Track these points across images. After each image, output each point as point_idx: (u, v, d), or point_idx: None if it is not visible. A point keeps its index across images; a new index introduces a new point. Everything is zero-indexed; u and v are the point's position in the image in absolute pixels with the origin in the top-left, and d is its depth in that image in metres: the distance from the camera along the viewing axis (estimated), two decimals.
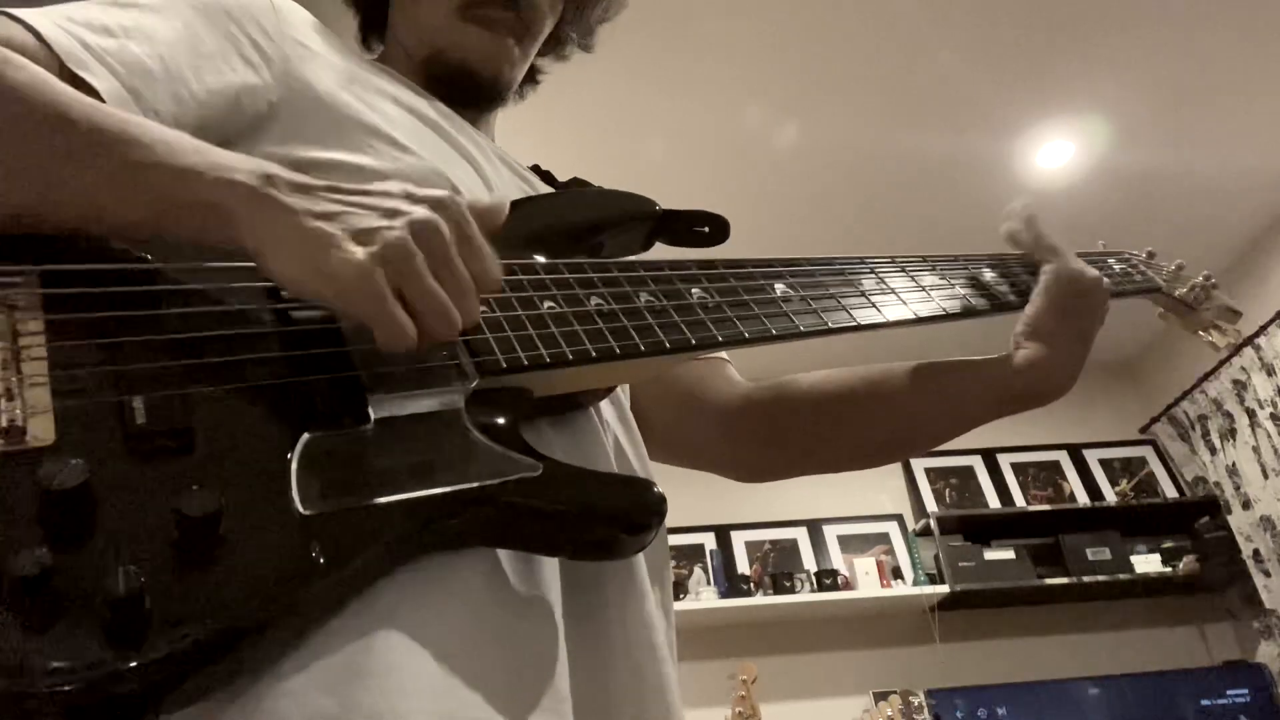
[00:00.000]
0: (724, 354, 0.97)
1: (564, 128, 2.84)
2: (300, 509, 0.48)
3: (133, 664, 0.40)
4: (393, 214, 0.54)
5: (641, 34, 2.59)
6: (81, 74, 0.60)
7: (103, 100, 0.60)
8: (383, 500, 0.50)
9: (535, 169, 0.93)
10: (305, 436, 0.51)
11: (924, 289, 0.87)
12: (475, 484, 0.53)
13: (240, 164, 0.55)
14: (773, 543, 3.83)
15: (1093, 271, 0.90)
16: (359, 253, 0.51)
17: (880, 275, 0.86)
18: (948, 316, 0.86)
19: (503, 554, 0.57)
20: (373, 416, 0.53)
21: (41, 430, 0.45)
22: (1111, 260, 1.07)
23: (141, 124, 0.56)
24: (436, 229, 0.53)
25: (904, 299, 0.84)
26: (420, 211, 0.54)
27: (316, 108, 0.72)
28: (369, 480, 0.50)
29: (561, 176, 0.94)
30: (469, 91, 0.90)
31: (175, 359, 0.51)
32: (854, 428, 0.92)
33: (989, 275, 0.93)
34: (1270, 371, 3.54)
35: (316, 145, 0.69)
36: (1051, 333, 0.86)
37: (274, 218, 0.53)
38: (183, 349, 0.52)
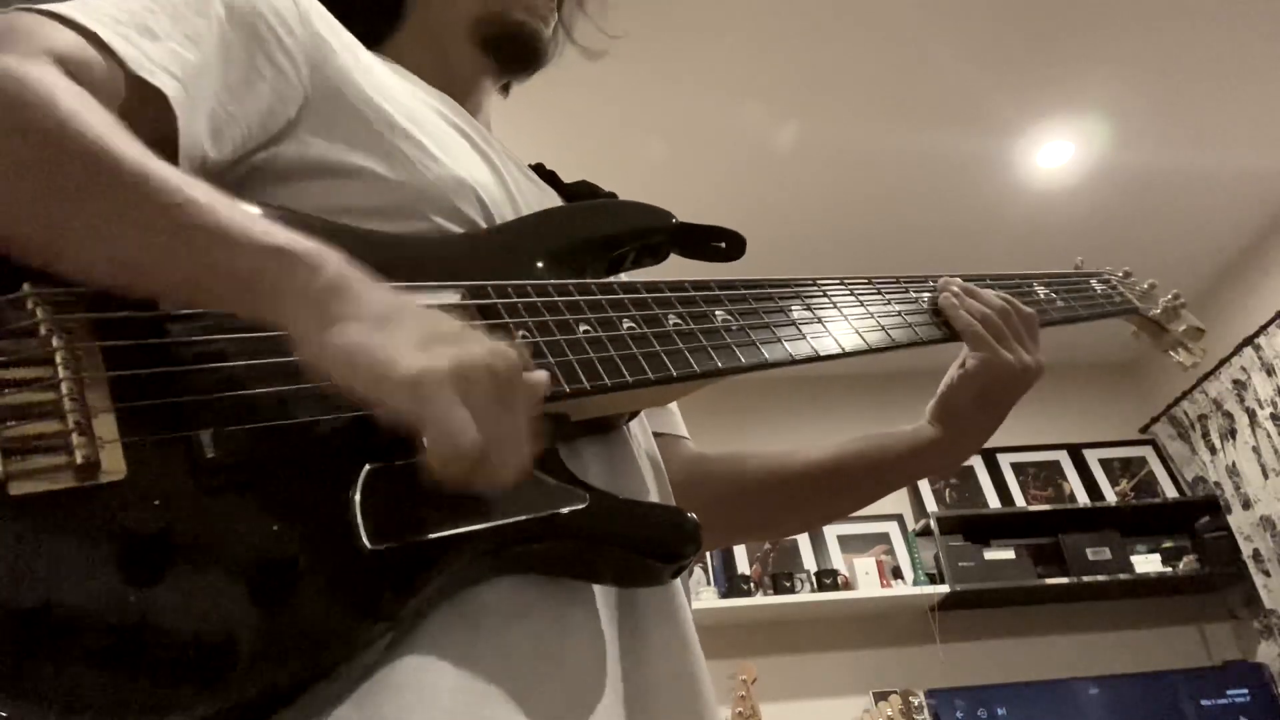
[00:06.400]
0: (682, 431, 0.99)
1: (564, 127, 2.84)
2: (367, 544, 0.48)
3: (217, 708, 0.40)
4: (454, 338, 0.49)
5: (641, 33, 2.58)
6: (146, 77, 0.57)
7: (168, 102, 0.57)
8: (445, 534, 0.50)
9: (538, 168, 0.93)
10: (365, 469, 0.50)
11: (926, 311, 0.91)
12: (530, 516, 0.54)
13: (290, 235, 0.51)
14: (772, 542, 3.83)
15: (1025, 359, 0.91)
16: (425, 353, 0.47)
17: (886, 295, 0.90)
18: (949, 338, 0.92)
19: (540, 577, 0.58)
20: None
21: (112, 464, 0.44)
22: (1092, 281, 1.11)
23: (190, 182, 0.52)
24: (495, 365, 0.49)
25: (909, 320, 0.88)
26: (482, 347, 0.49)
27: (344, 109, 0.69)
28: (429, 514, 0.51)
29: (561, 176, 0.94)
30: (520, 53, 0.90)
31: (233, 389, 0.50)
32: (787, 511, 1.01)
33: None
34: (1270, 371, 3.54)
35: (345, 148, 0.67)
36: (960, 419, 0.93)
37: (324, 305, 0.48)
38: (239, 379, 0.51)
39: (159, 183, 0.51)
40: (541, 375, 0.53)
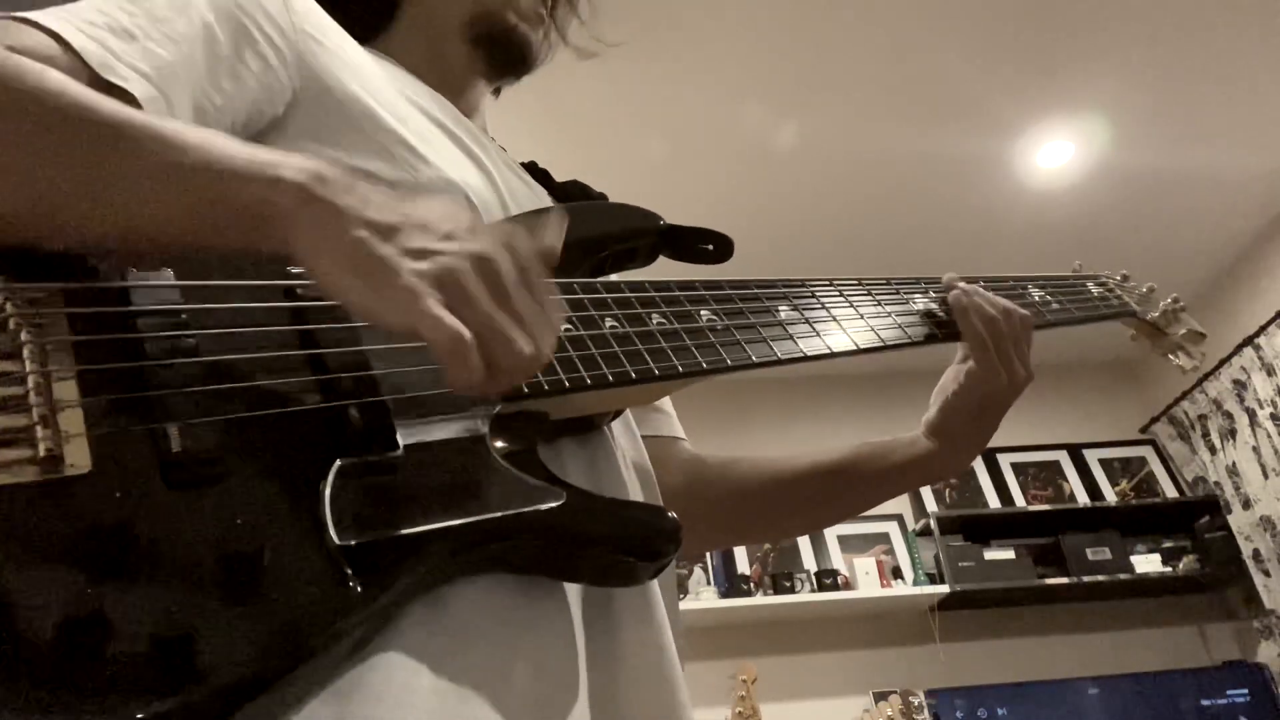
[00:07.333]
0: (680, 433, 0.99)
1: (564, 126, 2.84)
2: (335, 539, 0.48)
3: (179, 704, 0.40)
4: (451, 237, 0.51)
5: (641, 33, 2.58)
6: (113, 79, 0.57)
7: (139, 107, 0.57)
8: (416, 530, 0.50)
9: (530, 166, 0.92)
10: (337, 464, 0.50)
11: (916, 313, 0.91)
12: (504, 513, 0.54)
13: (288, 161, 0.52)
14: (772, 543, 3.83)
15: (1018, 366, 0.92)
16: (412, 275, 0.48)
17: (877, 296, 0.89)
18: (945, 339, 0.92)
19: (515, 576, 0.58)
20: (401, 443, 0.53)
21: (77, 458, 0.44)
22: (1089, 284, 1.10)
23: (176, 124, 0.53)
24: (492, 263, 0.51)
25: (899, 322, 0.88)
26: (482, 244, 0.51)
27: (332, 107, 0.69)
28: (401, 509, 0.50)
29: (560, 174, 0.94)
30: (509, 55, 0.90)
31: (203, 383, 0.50)
32: (784, 516, 1.02)
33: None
34: (1270, 371, 3.54)
35: (332, 147, 0.67)
36: (956, 433, 0.94)
37: (325, 225, 0.50)
38: (209, 373, 0.51)
39: (146, 128, 0.51)
40: (549, 243, 0.54)
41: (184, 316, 0.52)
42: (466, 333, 0.48)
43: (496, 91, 0.98)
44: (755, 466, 0.99)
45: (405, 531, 0.50)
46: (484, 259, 0.51)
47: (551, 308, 0.53)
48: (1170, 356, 1.14)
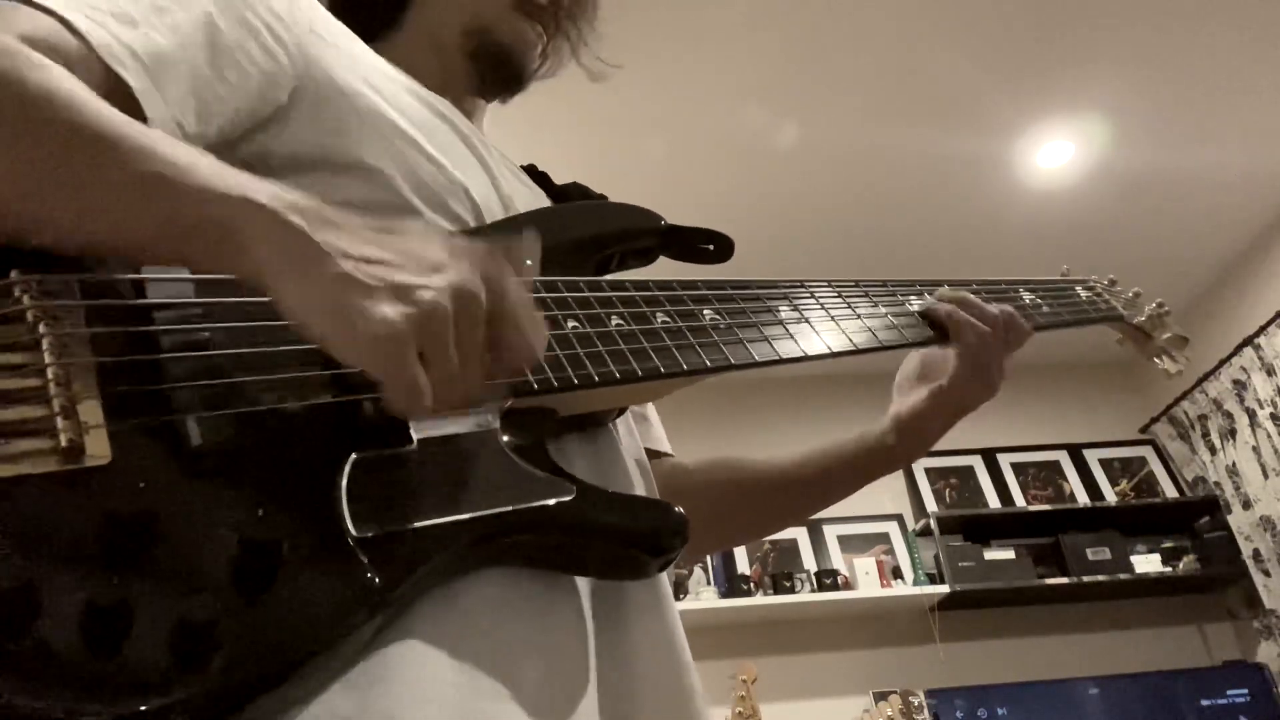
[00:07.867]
0: (665, 447, 0.99)
1: (564, 127, 2.84)
2: (353, 531, 0.48)
3: (198, 692, 0.40)
4: (434, 269, 0.49)
5: (641, 34, 2.59)
6: (118, 70, 0.57)
7: (134, 97, 0.57)
8: (432, 522, 0.51)
9: (530, 169, 0.93)
10: (353, 457, 0.51)
11: (912, 314, 0.92)
12: (516, 507, 0.55)
13: (264, 187, 0.50)
14: (772, 542, 3.82)
15: (997, 379, 0.93)
16: (392, 311, 0.46)
17: (874, 298, 0.90)
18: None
19: (528, 569, 0.59)
20: (415, 437, 0.54)
21: (97, 449, 0.44)
22: (1078, 287, 1.12)
23: (158, 136, 0.52)
24: (475, 296, 0.49)
25: (895, 323, 0.89)
26: (461, 272, 0.49)
27: (336, 100, 0.69)
28: (416, 502, 0.51)
29: (561, 176, 0.94)
30: (501, 73, 0.91)
31: (219, 376, 0.51)
32: (763, 519, 1.05)
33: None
34: (1270, 371, 3.54)
35: (337, 142, 0.67)
36: (929, 433, 0.96)
37: (295, 247, 0.48)
38: (225, 366, 0.51)
39: (124, 137, 0.50)
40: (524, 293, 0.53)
41: (199, 310, 0.53)
42: (429, 392, 0.47)
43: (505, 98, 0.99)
44: (733, 475, 1.00)
45: (421, 524, 0.50)
46: (464, 295, 0.49)
47: (533, 327, 0.52)
48: (1156, 360, 1.16)
